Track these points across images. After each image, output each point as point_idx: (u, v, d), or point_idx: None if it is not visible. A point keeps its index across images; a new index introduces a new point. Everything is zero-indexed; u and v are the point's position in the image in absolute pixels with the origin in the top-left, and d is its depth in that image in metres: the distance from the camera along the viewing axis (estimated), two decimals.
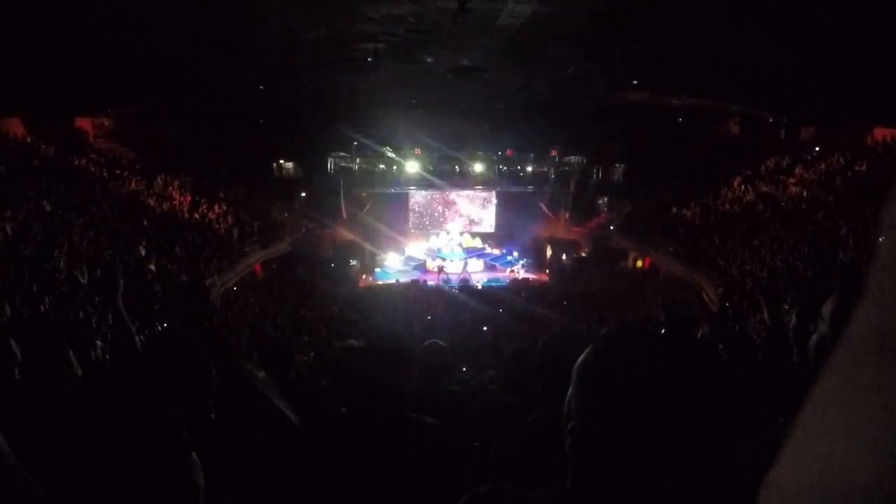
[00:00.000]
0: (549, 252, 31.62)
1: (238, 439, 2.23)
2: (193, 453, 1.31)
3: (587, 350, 1.08)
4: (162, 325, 13.13)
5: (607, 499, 1.00)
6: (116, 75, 17.45)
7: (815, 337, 1.72)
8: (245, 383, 2.41)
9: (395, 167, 32.21)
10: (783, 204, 23.42)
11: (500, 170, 33.07)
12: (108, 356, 3.96)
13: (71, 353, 2.83)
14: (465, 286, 27.91)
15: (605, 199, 32.67)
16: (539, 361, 2.18)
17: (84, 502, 1.18)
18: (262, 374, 3.33)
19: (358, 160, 31.77)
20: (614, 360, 1.03)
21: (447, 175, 32.88)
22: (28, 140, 22.31)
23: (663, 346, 1.03)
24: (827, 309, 1.65)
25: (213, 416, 2.54)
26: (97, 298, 13.50)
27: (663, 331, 4.27)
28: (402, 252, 33.37)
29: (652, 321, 19.32)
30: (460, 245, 33.21)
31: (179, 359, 2.53)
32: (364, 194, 32.84)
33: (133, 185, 24.47)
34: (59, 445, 1.24)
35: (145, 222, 21.74)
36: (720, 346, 4.03)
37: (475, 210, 34.70)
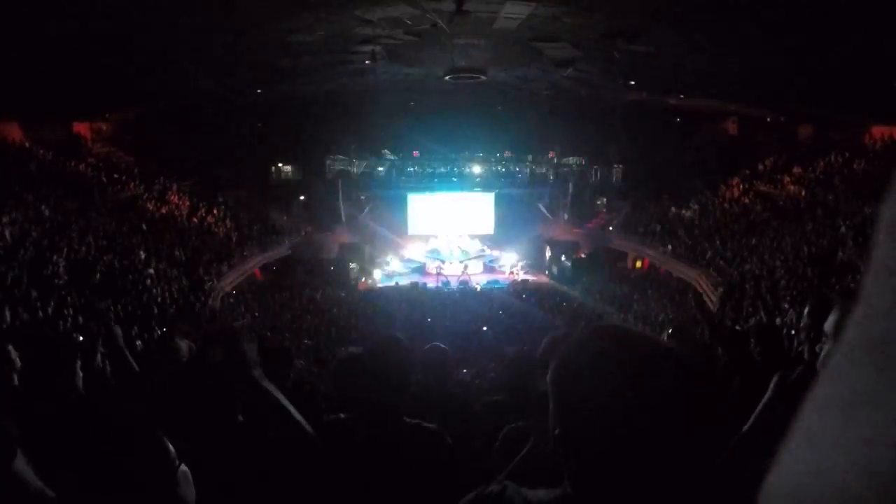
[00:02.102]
0: (548, 253, 31.61)
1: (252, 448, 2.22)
2: (184, 466, 1.31)
3: (556, 357, 1.08)
4: (161, 330, 13.12)
5: (607, 502, 1.00)
6: (115, 80, 17.45)
7: (822, 354, 1.73)
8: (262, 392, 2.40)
9: (393, 170, 32.20)
10: (781, 203, 23.44)
11: (498, 171, 33.06)
12: (106, 365, 3.95)
13: (78, 363, 2.83)
14: (465, 288, 27.91)
15: (604, 199, 32.68)
16: (542, 361, 2.17)
17: None
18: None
19: (356, 163, 31.76)
20: (582, 364, 1.03)
21: (446, 177, 32.86)
22: (26, 145, 22.32)
23: (630, 346, 1.03)
24: (830, 325, 1.65)
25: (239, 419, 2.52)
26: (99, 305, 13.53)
27: (669, 331, 4.26)
28: (401, 255, 33.37)
29: (651, 320, 19.35)
30: (459, 247, 33.19)
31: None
32: (363, 197, 32.83)
33: (131, 190, 24.46)
34: (52, 453, 1.24)
35: (144, 226, 21.72)
36: (718, 348, 4.03)
37: (474, 212, 34.65)
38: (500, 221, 34.37)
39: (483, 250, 33.62)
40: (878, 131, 23.36)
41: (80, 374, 2.81)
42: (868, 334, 0.31)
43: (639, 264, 28.10)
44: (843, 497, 0.29)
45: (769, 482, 0.34)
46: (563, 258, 30.41)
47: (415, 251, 33.61)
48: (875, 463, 0.28)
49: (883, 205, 0.33)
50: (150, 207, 24.14)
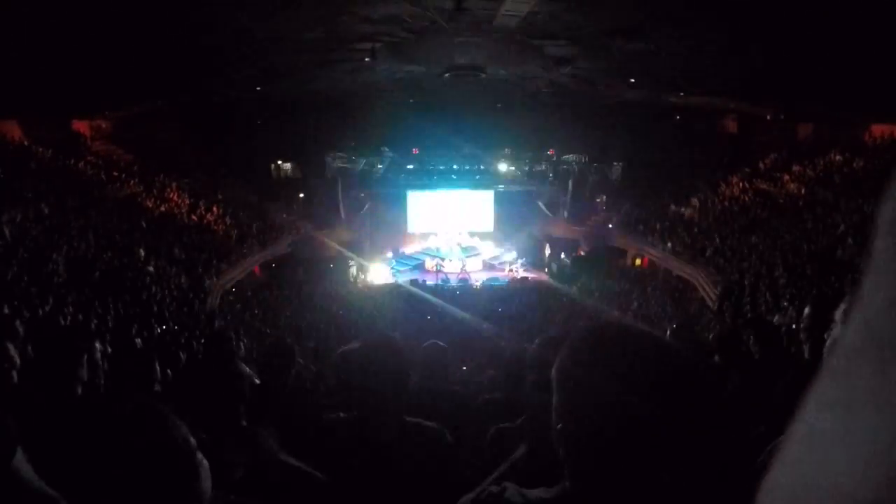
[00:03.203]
0: (547, 251, 31.61)
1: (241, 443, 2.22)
2: (201, 455, 1.30)
3: (561, 352, 1.08)
4: (161, 328, 13.13)
5: (606, 498, 1.01)
6: (114, 77, 17.44)
7: (829, 341, 1.72)
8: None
9: (392, 167, 32.20)
10: (781, 201, 23.44)
11: (497, 169, 33.07)
12: (106, 360, 3.95)
13: (86, 356, 2.83)
14: (464, 285, 27.93)
15: (604, 197, 32.65)
16: (532, 362, 2.17)
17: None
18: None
19: (356, 160, 31.75)
20: (586, 358, 1.04)
21: (445, 174, 32.86)
22: (26, 143, 22.29)
23: (634, 342, 1.03)
24: (840, 312, 1.65)
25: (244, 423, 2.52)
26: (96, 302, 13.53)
27: (674, 326, 4.27)
28: (400, 252, 33.40)
29: (652, 318, 19.36)
30: (459, 244, 33.22)
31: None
32: (362, 194, 32.84)
33: (131, 188, 24.44)
34: (61, 449, 1.23)
35: (144, 224, 21.71)
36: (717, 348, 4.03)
37: (473, 209, 34.66)
38: (500, 219, 34.39)
39: (475, 248, 33.62)
40: (878, 129, 23.36)
41: (85, 369, 2.81)
42: (868, 333, 0.31)
43: (638, 262, 28.11)
44: (844, 497, 0.29)
45: (769, 481, 0.34)
46: (562, 256, 30.43)
47: (414, 248, 33.65)
48: (876, 463, 0.28)
49: (882, 203, 0.33)
50: (150, 205, 24.12)
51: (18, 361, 2.77)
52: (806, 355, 2.80)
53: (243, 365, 2.83)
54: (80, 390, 2.71)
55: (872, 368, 0.30)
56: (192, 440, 1.28)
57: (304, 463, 2.14)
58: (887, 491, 0.27)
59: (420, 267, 31.82)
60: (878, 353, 0.30)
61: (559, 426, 1.05)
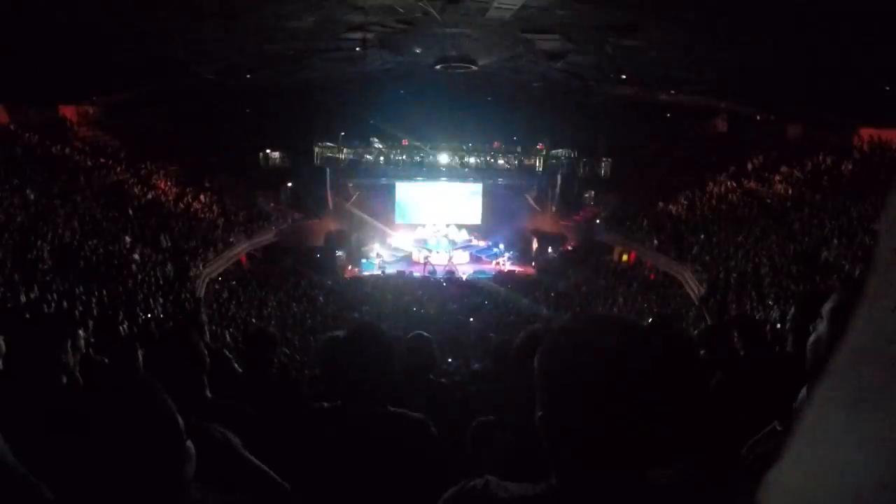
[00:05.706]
0: (535, 245, 31.68)
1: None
2: (189, 442, 1.29)
3: (543, 343, 1.08)
4: (145, 315, 13.08)
5: (592, 492, 1.00)
6: (101, 62, 17.27)
7: (812, 336, 1.71)
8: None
9: (381, 158, 32.14)
10: (769, 201, 23.57)
11: (487, 161, 33.05)
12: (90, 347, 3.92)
13: (70, 343, 2.80)
14: (451, 278, 27.95)
15: (592, 192, 32.73)
16: (517, 357, 2.17)
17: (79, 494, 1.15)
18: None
19: (345, 150, 31.66)
20: (567, 348, 1.04)
21: (434, 166, 32.83)
22: (11, 128, 22.03)
23: (615, 332, 1.03)
24: (826, 308, 1.65)
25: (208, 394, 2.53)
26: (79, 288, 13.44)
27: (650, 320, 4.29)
28: (388, 243, 33.36)
29: (637, 313, 19.45)
30: (446, 237, 33.22)
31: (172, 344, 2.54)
32: (351, 185, 32.78)
33: (118, 174, 24.21)
34: (53, 440, 1.21)
35: (130, 211, 21.54)
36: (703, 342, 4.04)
37: (462, 202, 34.66)
38: (488, 212, 34.41)
39: (469, 241, 33.68)
40: (867, 133, 23.49)
41: (70, 356, 2.78)
42: (872, 333, 0.31)
43: (625, 258, 28.21)
44: (848, 495, 0.29)
45: (772, 479, 0.34)
46: (549, 250, 30.50)
47: (402, 240, 33.63)
48: (880, 461, 0.28)
49: (887, 204, 0.33)
50: (137, 192, 23.91)
51: (5, 349, 2.74)
52: (790, 354, 2.82)
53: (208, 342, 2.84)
54: (64, 379, 2.68)
55: (878, 367, 0.30)
56: (180, 419, 1.26)
57: (287, 453, 2.13)
58: (890, 487, 0.27)
59: (407, 258, 31.80)
60: (884, 352, 0.30)
61: (540, 414, 1.05)
